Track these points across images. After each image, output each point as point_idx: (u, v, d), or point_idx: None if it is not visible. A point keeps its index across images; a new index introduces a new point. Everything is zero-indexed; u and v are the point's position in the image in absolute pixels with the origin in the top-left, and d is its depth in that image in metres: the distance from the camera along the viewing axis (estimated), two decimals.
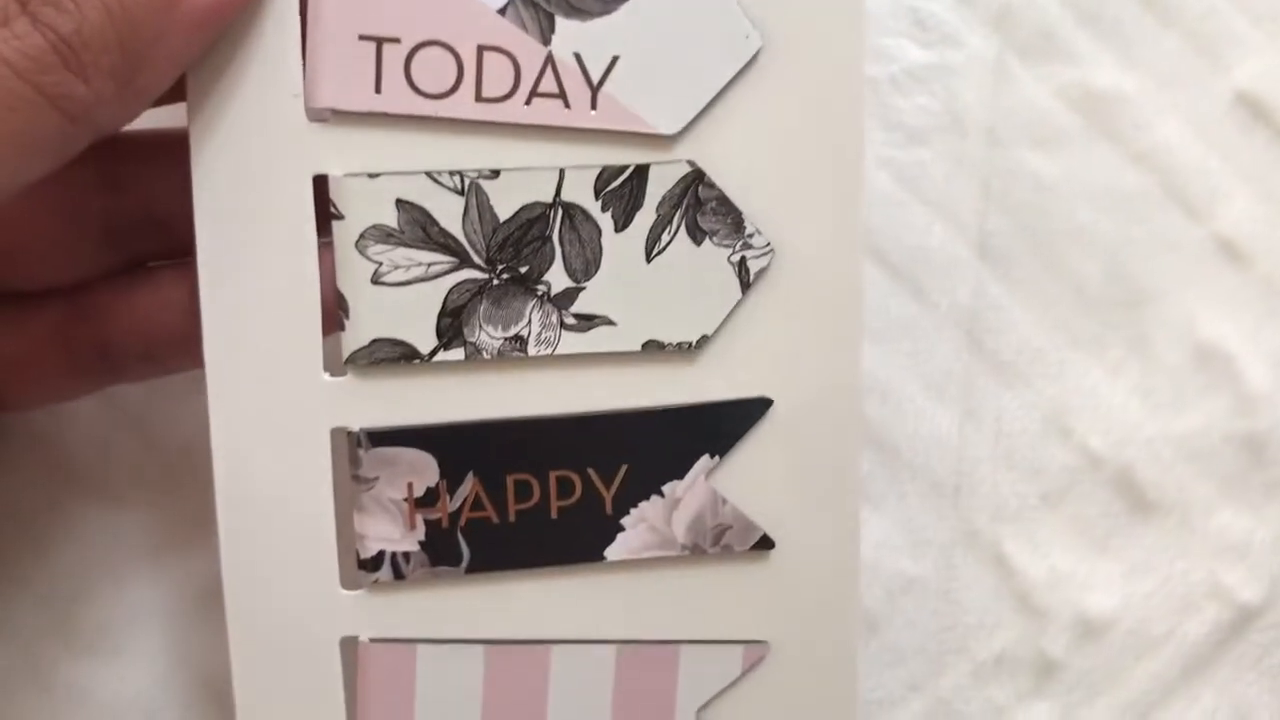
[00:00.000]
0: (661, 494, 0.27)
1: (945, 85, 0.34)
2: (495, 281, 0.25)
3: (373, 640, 0.26)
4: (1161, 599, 0.35)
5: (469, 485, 0.26)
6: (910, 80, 0.34)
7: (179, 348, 0.27)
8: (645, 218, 0.26)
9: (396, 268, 0.25)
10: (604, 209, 0.25)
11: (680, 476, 0.27)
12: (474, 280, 0.25)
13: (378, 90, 0.24)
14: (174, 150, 0.24)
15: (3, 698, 0.32)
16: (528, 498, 0.26)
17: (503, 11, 0.24)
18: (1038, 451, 0.34)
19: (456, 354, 0.25)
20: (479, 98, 0.25)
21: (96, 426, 0.32)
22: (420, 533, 0.26)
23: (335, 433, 0.26)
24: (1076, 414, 0.34)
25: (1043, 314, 0.34)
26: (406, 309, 0.25)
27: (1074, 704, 0.34)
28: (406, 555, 0.26)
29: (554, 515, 0.26)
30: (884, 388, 0.34)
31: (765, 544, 0.27)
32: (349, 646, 0.27)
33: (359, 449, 0.26)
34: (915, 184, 0.34)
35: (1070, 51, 0.34)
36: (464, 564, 0.26)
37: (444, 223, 0.25)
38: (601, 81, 0.25)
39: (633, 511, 0.27)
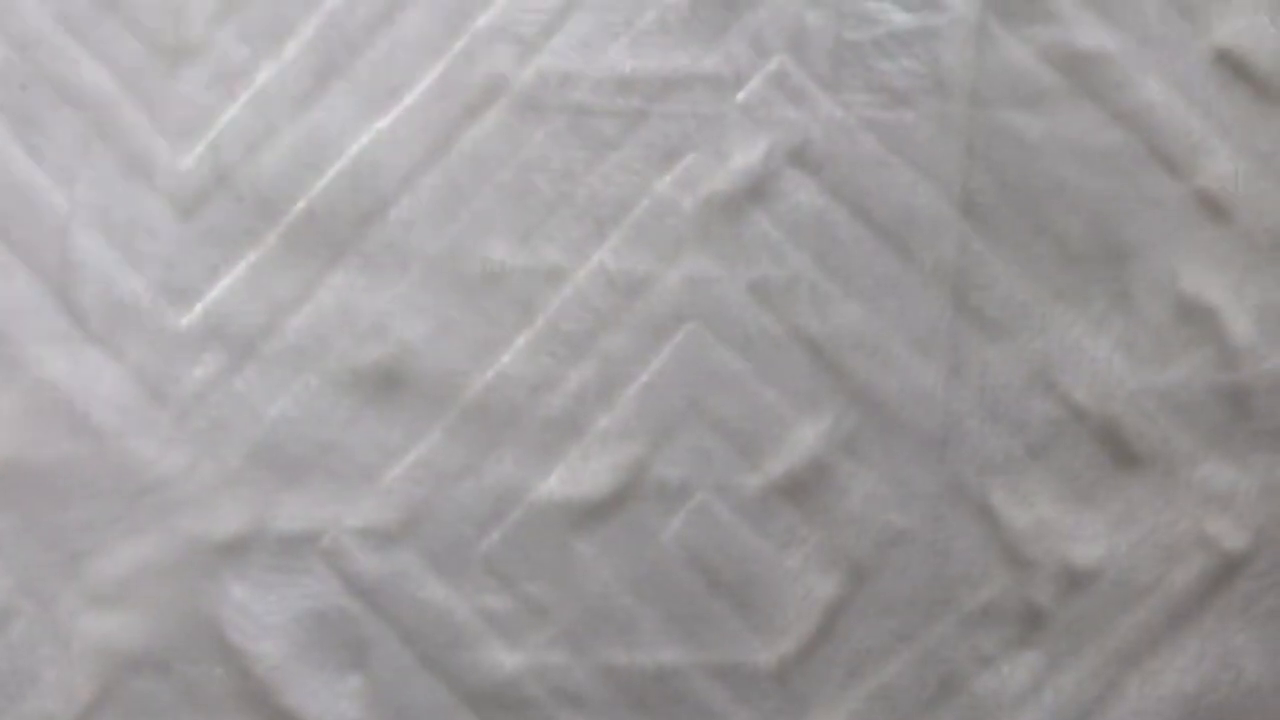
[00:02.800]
0: None
1: (928, 48, 0.34)
2: None
3: None
4: (1148, 549, 0.34)
5: None
6: (894, 43, 0.34)
7: None
8: None
9: None
10: None
11: None
12: None
13: None
14: None
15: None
16: None
17: None
18: (1023, 405, 0.33)
19: None
20: None
21: None
22: None
23: None
24: (1061, 368, 0.34)
25: (1027, 270, 0.33)
26: None
27: (1061, 653, 0.33)
28: None
29: None
30: (871, 344, 0.33)
31: None
32: None
33: None
34: (900, 145, 0.34)
35: (1052, 12, 0.33)
36: None
37: None
38: None
39: None
